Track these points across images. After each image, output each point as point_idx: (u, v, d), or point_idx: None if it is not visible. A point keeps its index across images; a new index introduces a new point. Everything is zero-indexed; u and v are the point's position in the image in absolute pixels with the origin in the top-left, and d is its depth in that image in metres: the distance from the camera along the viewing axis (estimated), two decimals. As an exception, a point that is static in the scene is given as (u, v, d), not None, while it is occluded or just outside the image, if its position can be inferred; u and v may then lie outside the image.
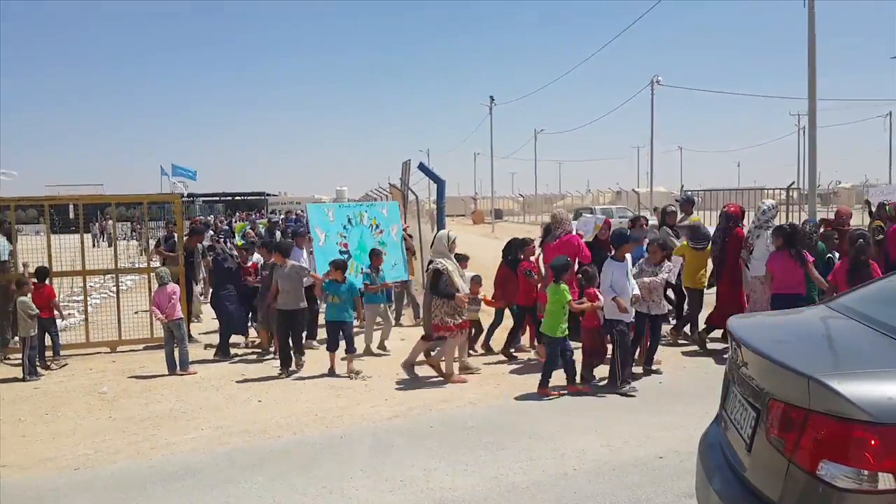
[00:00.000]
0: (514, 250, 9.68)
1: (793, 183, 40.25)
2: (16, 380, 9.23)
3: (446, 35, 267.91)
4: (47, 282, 10.15)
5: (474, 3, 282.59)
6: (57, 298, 10.34)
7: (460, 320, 8.35)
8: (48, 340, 10.03)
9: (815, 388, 2.49)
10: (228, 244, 12.79)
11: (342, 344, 8.93)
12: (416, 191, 17.65)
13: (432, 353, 8.59)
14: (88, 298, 12.28)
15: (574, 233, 9.17)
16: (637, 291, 7.89)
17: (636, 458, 5.52)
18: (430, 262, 8.67)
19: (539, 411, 6.97)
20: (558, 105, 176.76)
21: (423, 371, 8.60)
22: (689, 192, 26.16)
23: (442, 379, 8.35)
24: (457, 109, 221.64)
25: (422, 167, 14.66)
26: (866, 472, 2.35)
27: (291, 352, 9.21)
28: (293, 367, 9.13)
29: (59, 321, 10.39)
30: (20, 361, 9.43)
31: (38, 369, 9.57)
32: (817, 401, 2.49)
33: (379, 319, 10.36)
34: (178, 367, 9.24)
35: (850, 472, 2.38)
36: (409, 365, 8.55)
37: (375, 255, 10.56)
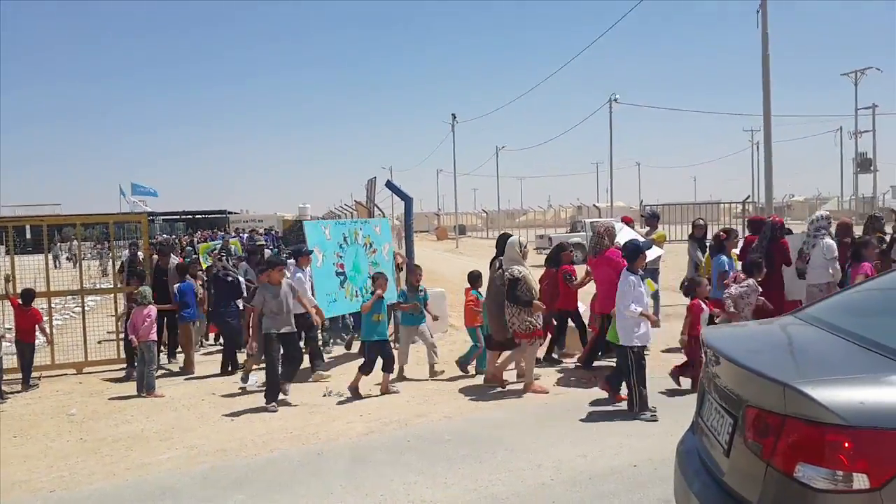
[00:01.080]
0: (557, 254, 9.88)
1: (748, 197, 41.16)
2: (-19, 403, 9.06)
3: (408, 53, 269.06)
4: (33, 304, 9.94)
5: (436, 22, 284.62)
6: (43, 321, 10.15)
7: (538, 327, 8.33)
8: (7, 363, 9.81)
9: (791, 394, 2.63)
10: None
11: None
12: (381, 208, 17.75)
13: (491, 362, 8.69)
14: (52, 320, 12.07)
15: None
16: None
17: (611, 467, 5.64)
18: (502, 269, 8.41)
19: (513, 424, 7.06)
20: (520, 122, 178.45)
21: (372, 385, 8.65)
22: (653, 207, 26.55)
23: (414, 396, 8.41)
24: (419, 127, 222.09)
25: (389, 185, 14.77)
26: (841, 473, 2.48)
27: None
28: (280, 395, 8.35)
29: (39, 342, 10.32)
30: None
31: (4, 392, 9.40)
32: (793, 406, 2.62)
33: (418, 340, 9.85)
34: (144, 390, 9.10)
35: (826, 473, 2.51)
36: (496, 377, 8.60)
37: (412, 272, 10.26)
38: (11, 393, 9.58)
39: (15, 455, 6.96)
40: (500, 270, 8.50)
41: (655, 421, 6.85)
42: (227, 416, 8.00)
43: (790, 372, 2.95)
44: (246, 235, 27.58)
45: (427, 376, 9.42)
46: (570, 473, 5.56)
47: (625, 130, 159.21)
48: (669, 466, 3.91)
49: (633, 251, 7.41)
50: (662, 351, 9.92)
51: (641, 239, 9.24)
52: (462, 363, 9.52)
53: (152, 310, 9.45)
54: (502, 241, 8.86)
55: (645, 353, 7.35)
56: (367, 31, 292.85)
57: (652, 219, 12.04)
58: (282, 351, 8.48)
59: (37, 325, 9.89)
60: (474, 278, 9.55)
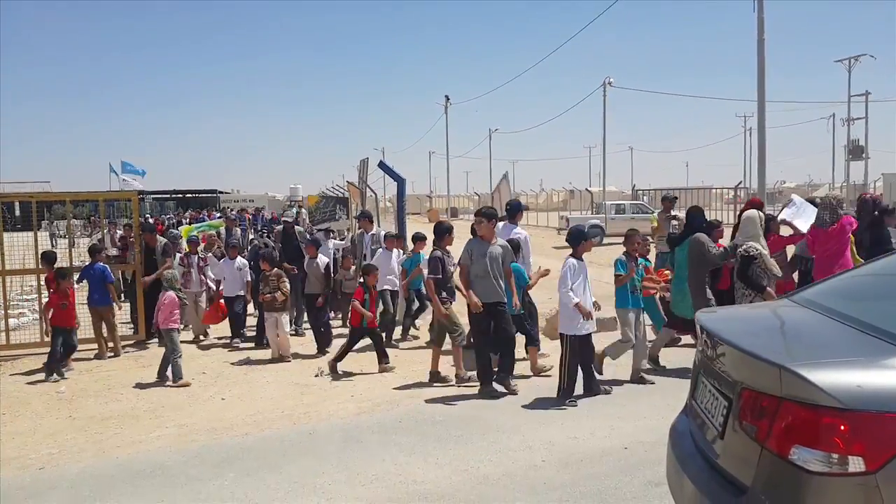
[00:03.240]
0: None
1: (740, 182, 41.22)
2: (-32, 381, 9.01)
3: (402, 34, 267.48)
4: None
5: (429, 3, 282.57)
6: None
7: None
8: None
9: (787, 376, 2.62)
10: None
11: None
12: (373, 189, 17.68)
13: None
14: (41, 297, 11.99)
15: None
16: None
17: (602, 448, 5.66)
18: (736, 246, 7.74)
19: (505, 405, 7.07)
20: (513, 105, 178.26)
21: (364, 364, 8.66)
22: (671, 192, 26.30)
23: (406, 377, 8.41)
24: (412, 108, 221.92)
25: (382, 165, 14.71)
26: (836, 456, 2.48)
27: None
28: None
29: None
30: None
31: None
32: (789, 389, 2.61)
33: None
34: (172, 378, 8.60)
35: (822, 456, 2.50)
36: (652, 358, 8.33)
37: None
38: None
39: (4, 432, 6.93)
40: (731, 243, 7.96)
41: (575, 406, 6.94)
42: (217, 395, 7.98)
43: (786, 354, 2.95)
44: (234, 214, 27.46)
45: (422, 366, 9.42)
46: (562, 455, 5.57)
47: (618, 114, 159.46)
48: (660, 449, 3.91)
49: (576, 236, 7.44)
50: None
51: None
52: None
53: (171, 296, 9.02)
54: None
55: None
56: (360, 12, 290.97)
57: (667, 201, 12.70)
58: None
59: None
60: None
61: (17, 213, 21.20)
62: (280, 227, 13.40)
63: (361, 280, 9.40)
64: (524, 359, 8.39)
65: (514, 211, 9.20)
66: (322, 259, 10.50)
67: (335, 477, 5.32)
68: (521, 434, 6.10)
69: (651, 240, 12.09)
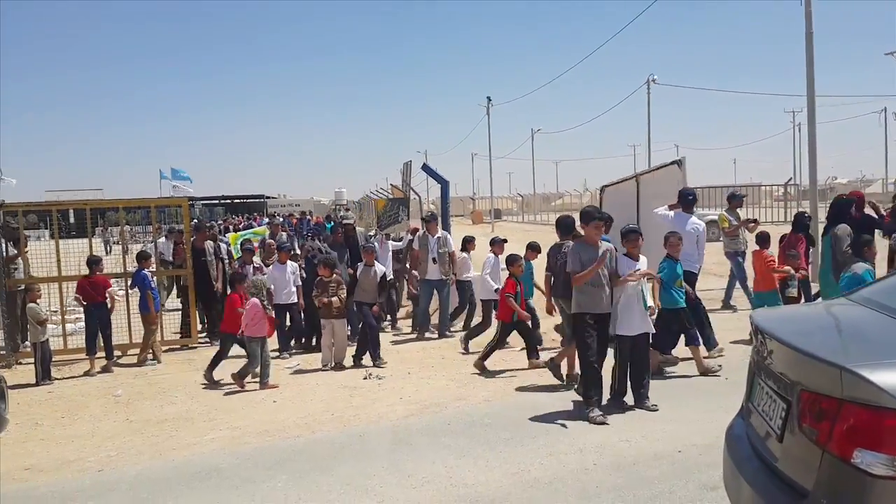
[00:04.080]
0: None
1: (790, 179, 40.40)
2: (29, 385, 9.28)
3: (443, 36, 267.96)
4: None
5: (471, 4, 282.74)
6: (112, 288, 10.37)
7: None
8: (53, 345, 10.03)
9: (848, 377, 2.56)
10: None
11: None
12: (416, 191, 17.77)
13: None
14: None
15: None
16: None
17: (655, 452, 5.59)
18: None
19: (552, 408, 7.01)
20: (555, 104, 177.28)
21: (412, 366, 8.68)
22: (736, 189, 25.84)
23: (453, 379, 8.43)
24: (454, 110, 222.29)
25: (426, 168, 14.77)
26: (902, 459, 2.42)
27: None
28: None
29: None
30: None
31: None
32: (850, 390, 2.55)
33: None
34: (260, 385, 8.57)
35: (885, 459, 2.44)
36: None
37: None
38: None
39: (63, 435, 7.12)
40: None
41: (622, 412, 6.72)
42: (268, 397, 8.09)
43: (846, 355, 2.87)
44: (282, 219, 27.82)
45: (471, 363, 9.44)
46: (613, 458, 5.52)
47: (663, 112, 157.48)
48: (715, 452, 3.86)
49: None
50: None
51: None
52: None
53: (254, 302, 8.86)
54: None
55: None
56: (403, 13, 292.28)
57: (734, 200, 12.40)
58: None
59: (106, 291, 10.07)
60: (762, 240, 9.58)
61: (72, 220, 21.80)
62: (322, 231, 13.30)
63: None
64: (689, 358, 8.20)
65: (692, 201, 8.94)
66: (379, 268, 10.22)
67: (386, 479, 5.35)
68: (571, 436, 6.07)
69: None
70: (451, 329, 11.44)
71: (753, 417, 3.36)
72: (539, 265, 9.55)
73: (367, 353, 9.55)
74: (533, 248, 10.24)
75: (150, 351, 10.47)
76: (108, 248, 21.93)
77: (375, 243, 11.54)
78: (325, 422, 7.00)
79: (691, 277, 8.42)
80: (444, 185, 13.74)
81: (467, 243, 11.88)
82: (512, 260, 9.01)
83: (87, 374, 9.86)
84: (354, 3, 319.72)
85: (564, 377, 7.91)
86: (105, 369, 9.94)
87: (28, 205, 12.19)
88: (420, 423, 6.74)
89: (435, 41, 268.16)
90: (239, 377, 8.59)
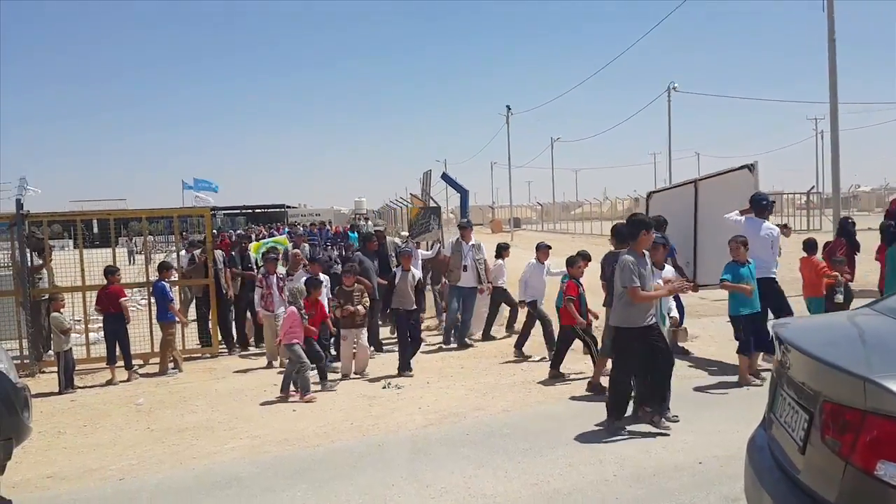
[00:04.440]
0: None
1: (813, 187, 40.03)
2: (52, 393, 9.38)
3: (462, 45, 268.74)
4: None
5: (490, 13, 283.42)
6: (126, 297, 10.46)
7: None
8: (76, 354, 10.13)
9: (872, 389, 2.53)
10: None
11: None
12: (436, 200, 17.80)
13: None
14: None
15: None
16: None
17: (675, 463, 5.54)
18: None
19: (571, 418, 6.98)
20: (575, 113, 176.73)
21: (430, 376, 8.66)
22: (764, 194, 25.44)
23: (472, 389, 8.41)
24: (473, 119, 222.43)
25: (445, 177, 14.82)
26: (926, 472, 2.38)
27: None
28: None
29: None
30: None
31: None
32: (874, 401, 2.52)
33: None
34: (299, 393, 8.45)
35: (910, 472, 2.41)
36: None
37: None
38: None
39: (86, 443, 7.19)
40: None
41: (674, 425, 6.47)
42: (288, 406, 8.12)
43: (870, 365, 2.83)
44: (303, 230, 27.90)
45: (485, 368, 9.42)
46: (634, 469, 5.48)
47: (683, 120, 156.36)
48: (736, 463, 3.82)
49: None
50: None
51: None
52: None
53: (291, 310, 8.85)
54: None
55: None
56: (422, 23, 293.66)
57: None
58: None
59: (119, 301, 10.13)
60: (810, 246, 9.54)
61: (96, 229, 22.05)
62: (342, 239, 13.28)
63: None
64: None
65: (766, 206, 8.72)
66: (415, 272, 10.22)
67: (405, 489, 5.35)
68: (591, 448, 6.03)
69: None
70: (472, 337, 11.44)
71: (775, 428, 3.32)
72: (590, 273, 9.28)
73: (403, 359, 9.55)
74: (584, 257, 9.84)
75: (172, 359, 10.54)
76: (132, 258, 22.14)
77: (411, 248, 11.49)
78: (344, 431, 7.01)
79: (771, 283, 8.28)
80: (464, 194, 13.79)
81: (503, 250, 11.92)
82: (571, 262, 8.90)
83: (109, 382, 9.95)
84: (374, 12, 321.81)
85: (593, 385, 7.89)
86: (128, 378, 10.02)
87: (53, 215, 12.33)
88: (439, 433, 6.73)
89: (454, 51, 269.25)
90: (302, 390, 8.47)
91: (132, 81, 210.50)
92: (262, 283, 10.83)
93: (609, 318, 7.00)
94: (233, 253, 12.69)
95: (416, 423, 7.15)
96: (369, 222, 31.16)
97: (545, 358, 9.70)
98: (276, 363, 10.42)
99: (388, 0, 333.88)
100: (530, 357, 10.02)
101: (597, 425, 6.60)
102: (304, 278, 9.90)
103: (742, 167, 9.72)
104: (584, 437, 6.31)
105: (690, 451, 5.78)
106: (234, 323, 12.18)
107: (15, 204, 10.95)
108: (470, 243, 11.49)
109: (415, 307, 10.03)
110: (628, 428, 6.47)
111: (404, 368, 9.44)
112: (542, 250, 10.52)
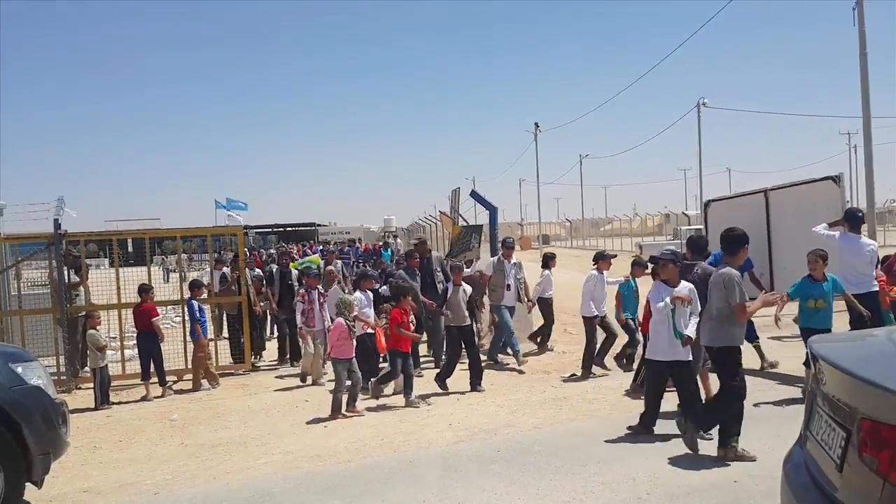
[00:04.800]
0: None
1: (847, 202, 39.34)
2: (88, 409, 9.53)
3: (490, 62, 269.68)
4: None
5: (518, 31, 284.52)
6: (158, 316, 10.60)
7: None
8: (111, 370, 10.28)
9: (911, 406, 2.50)
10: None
11: None
12: (465, 217, 17.84)
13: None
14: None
15: None
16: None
17: (710, 481, 5.47)
18: None
19: (603, 435, 6.93)
20: (604, 129, 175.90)
21: (461, 392, 8.65)
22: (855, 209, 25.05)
23: (502, 405, 8.40)
24: (502, 137, 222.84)
25: (474, 195, 14.83)
26: (967, 490, 2.34)
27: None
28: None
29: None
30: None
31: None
32: (912, 419, 2.49)
33: None
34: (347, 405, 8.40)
35: (950, 489, 2.37)
36: None
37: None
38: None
39: (121, 458, 7.29)
40: None
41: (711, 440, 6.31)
42: (320, 422, 8.16)
43: (909, 383, 2.80)
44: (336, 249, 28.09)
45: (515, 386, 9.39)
46: (667, 488, 5.42)
47: (714, 135, 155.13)
48: (771, 481, 3.78)
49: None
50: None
51: None
52: None
53: (338, 322, 8.58)
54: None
55: None
56: (449, 39, 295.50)
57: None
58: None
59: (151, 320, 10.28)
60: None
61: (130, 248, 22.42)
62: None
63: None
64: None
65: (860, 219, 8.49)
66: (467, 288, 10.00)
67: (436, 506, 5.35)
68: (624, 465, 5.97)
69: None
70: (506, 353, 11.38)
71: (812, 446, 3.29)
72: (644, 283, 9.12)
73: (445, 376, 9.47)
74: (640, 265, 9.90)
75: (204, 375, 10.65)
76: (167, 276, 22.47)
77: (461, 264, 11.05)
78: (376, 447, 7.03)
79: (874, 297, 8.17)
80: (493, 211, 13.79)
81: (549, 260, 11.95)
82: (641, 262, 8.82)
83: (143, 398, 10.08)
84: (402, 30, 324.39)
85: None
86: (162, 394, 10.16)
87: (90, 234, 12.57)
88: (469, 450, 6.72)
89: (483, 68, 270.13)
90: (351, 402, 8.41)
91: (164, 100, 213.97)
92: (304, 298, 10.63)
93: (700, 338, 6.68)
94: (271, 269, 12.87)
95: (447, 439, 7.15)
96: (398, 240, 31.28)
97: (575, 375, 9.70)
98: (308, 380, 10.47)
99: (420, 17, 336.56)
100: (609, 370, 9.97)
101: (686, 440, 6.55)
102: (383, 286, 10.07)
103: (825, 178, 9.37)
104: (616, 455, 6.26)
105: (725, 470, 5.71)
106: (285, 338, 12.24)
107: (53, 224, 11.18)
108: (511, 262, 11.44)
109: (468, 323, 9.85)
110: (660, 445, 6.41)
111: (442, 378, 9.43)
112: (605, 260, 10.28)
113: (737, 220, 9.90)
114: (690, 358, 6.82)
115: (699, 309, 6.71)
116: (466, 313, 9.79)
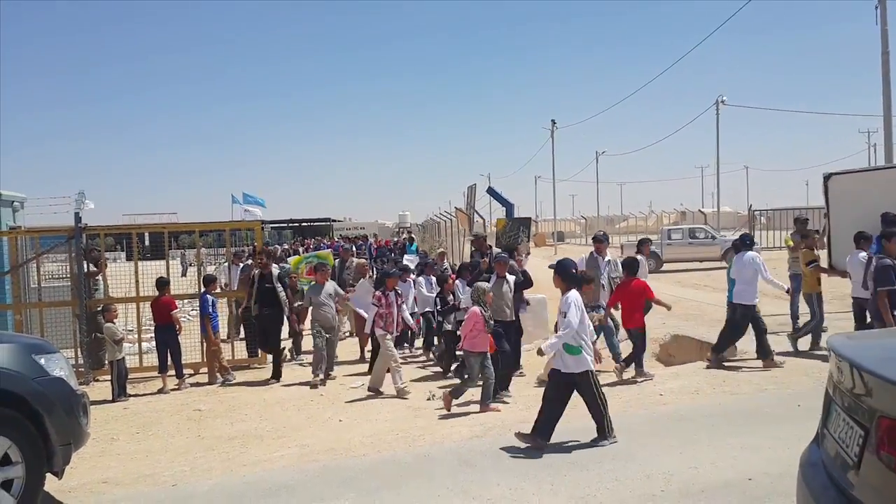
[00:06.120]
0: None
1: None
2: (105, 401, 9.63)
3: (507, 59, 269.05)
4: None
5: (536, 27, 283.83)
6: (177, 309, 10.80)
7: None
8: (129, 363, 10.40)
9: (929, 405, 2.49)
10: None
11: None
12: (481, 214, 17.88)
13: None
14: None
15: None
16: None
17: (725, 480, 5.46)
18: None
19: (620, 432, 6.91)
20: (620, 126, 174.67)
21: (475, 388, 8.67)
22: (803, 213, 24.89)
23: (516, 401, 8.41)
24: (518, 133, 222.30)
25: (491, 191, 14.90)
26: None
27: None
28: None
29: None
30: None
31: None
32: (932, 417, 2.49)
33: None
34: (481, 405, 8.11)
35: (969, 489, 2.37)
36: None
37: None
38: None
39: (139, 450, 7.37)
40: None
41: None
42: (335, 416, 8.22)
43: (928, 382, 2.79)
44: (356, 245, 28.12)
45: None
46: (681, 485, 5.42)
47: (732, 133, 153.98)
48: (787, 480, 3.76)
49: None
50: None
51: None
52: None
53: (476, 312, 8.08)
54: None
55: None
56: (466, 37, 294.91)
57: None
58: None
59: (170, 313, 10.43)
60: None
61: (147, 242, 22.61)
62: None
63: None
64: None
65: None
66: (511, 278, 9.14)
67: (451, 500, 5.37)
68: (638, 462, 5.97)
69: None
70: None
71: (829, 444, 3.28)
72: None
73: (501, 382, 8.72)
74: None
75: (219, 368, 10.74)
76: (185, 270, 22.63)
77: (506, 255, 10.05)
78: (391, 441, 7.07)
79: None
80: (509, 207, 13.82)
81: (643, 245, 10.80)
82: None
83: (160, 391, 10.18)
84: (419, 27, 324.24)
85: None
86: (178, 387, 10.25)
87: (109, 228, 12.69)
88: (484, 445, 6.74)
89: (500, 65, 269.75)
90: (451, 396, 8.14)
91: (180, 97, 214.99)
92: (381, 301, 9.72)
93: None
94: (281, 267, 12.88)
95: (462, 434, 7.18)
96: (413, 235, 31.33)
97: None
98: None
99: (438, 16, 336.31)
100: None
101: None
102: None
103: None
104: (630, 452, 6.26)
105: (740, 468, 5.69)
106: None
107: (74, 217, 11.29)
108: (606, 258, 10.30)
109: (512, 319, 9.12)
110: (674, 441, 6.41)
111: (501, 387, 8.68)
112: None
113: (866, 195, 9.32)
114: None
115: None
116: (509, 309, 9.02)
